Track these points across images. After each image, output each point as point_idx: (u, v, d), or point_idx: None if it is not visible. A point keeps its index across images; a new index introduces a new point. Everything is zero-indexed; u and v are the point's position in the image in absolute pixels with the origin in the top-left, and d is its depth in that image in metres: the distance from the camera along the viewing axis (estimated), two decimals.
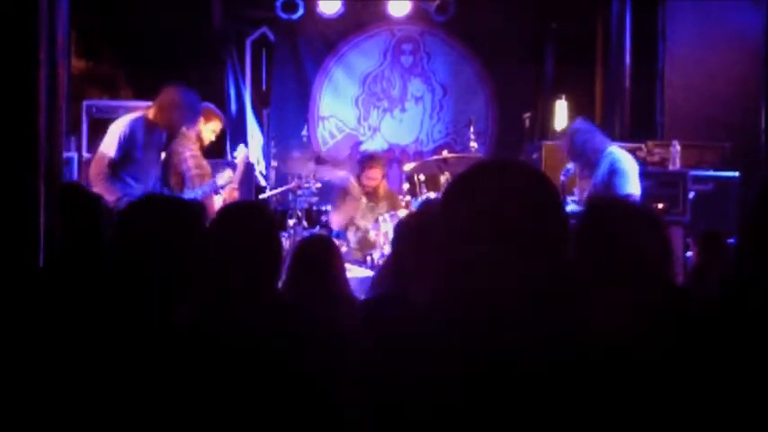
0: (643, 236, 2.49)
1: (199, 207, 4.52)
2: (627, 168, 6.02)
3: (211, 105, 6.84)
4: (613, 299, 2.31)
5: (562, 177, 6.28)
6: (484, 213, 1.69)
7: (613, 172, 5.98)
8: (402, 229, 3.01)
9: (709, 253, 5.69)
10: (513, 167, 1.78)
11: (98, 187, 5.70)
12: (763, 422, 1.88)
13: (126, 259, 2.19)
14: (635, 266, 2.47)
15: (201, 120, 6.62)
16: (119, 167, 5.88)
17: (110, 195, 5.58)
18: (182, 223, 2.24)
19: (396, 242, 3.09)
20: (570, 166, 6.28)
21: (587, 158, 6.10)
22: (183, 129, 6.57)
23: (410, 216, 4.69)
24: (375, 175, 7.70)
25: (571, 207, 6.09)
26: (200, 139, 6.62)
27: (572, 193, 6.49)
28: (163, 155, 6.28)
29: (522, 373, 1.65)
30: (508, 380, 1.64)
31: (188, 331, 2.24)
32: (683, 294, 2.62)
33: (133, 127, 5.97)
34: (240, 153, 6.95)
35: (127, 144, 5.91)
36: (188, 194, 6.26)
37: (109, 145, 5.92)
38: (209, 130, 6.69)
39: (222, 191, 6.61)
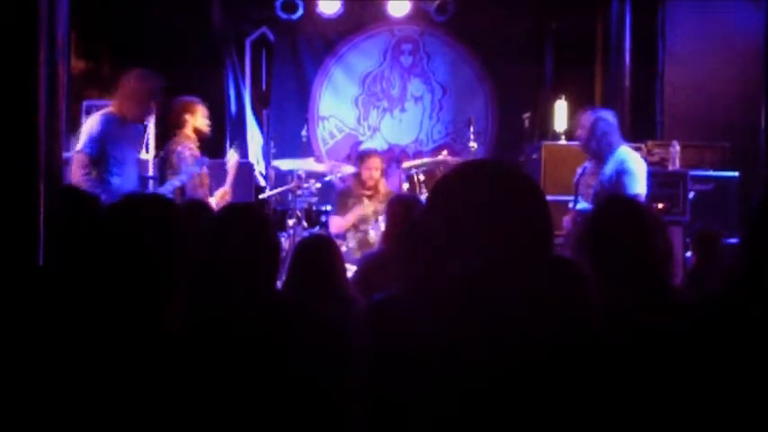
0: (645, 237, 2.49)
1: (191, 205, 4.50)
2: (636, 169, 6.04)
3: (187, 97, 6.70)
4: (614, 299, 2.31)
5: (576, 177, 6.29)
6: (467, 213, 1.70)
7: (622, 172, 6.00)
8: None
9: (703, 252, 5.71)
10: (496, 168, 1.79)
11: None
12: (762, 421, 1.88)
13: (110, 259, 2.19)
14: (636, 267, 2.47)
15: (188, 115, 6.55)
16: (98, 166, 5.78)
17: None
18: (163, 222, 2.23)
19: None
20: (588, 164, 6.27)
21: (599, 150, 6.09)
22: (184, 129, 6.54)
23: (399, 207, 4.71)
24: (374, 165, 7.39)
25: (581, 205, 6.10)
26: (196, 131, 6.56)
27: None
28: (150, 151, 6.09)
29: (522, 373, 1.65)
30: (507, 380, 1.64)
31: (183, 330, 2.24)
32: (682, 295, 2.62)
33: (103, 123, 5.85)
34: (231, 158, 6.85)
35: (100, 141, 5.78)
36: (172, 181, 6.21)
37: (84, 143, 5.79)
38: (200, 118, 6.57)
39: (216, 194, 6.55)
